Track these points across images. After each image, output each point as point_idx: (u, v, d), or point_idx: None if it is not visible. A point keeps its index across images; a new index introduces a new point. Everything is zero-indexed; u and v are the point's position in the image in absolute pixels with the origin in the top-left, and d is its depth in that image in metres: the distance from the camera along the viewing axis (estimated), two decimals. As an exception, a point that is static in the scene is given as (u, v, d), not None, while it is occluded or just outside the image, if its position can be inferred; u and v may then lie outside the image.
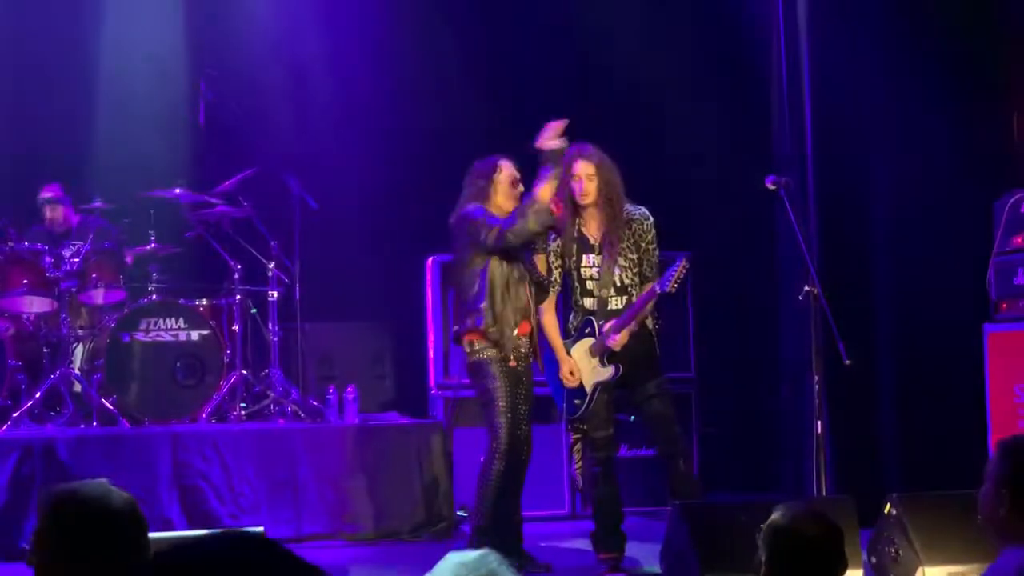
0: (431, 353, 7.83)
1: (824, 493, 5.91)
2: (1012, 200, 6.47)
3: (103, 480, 2.66)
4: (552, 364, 6.13)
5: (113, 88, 8.65)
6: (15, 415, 7.16)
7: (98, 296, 7.60)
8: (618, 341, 5.96)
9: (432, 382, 7.82)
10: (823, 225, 7.43)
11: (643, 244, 6.08)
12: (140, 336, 7.46)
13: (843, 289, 6.81)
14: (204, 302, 7.78)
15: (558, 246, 6.11)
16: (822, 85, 7.53)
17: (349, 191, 8.65)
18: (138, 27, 8.64)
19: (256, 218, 7.90)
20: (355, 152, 8.76)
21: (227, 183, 7.79)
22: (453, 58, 8.74)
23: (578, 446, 6.32)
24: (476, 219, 5.91)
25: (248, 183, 7.83)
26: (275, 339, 7.74)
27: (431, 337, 7.82)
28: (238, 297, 7.77)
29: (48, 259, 7.43)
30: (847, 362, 5.84)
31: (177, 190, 7.76)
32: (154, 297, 7.65)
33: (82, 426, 7.19)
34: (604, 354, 6.01)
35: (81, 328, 7.68)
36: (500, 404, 5.91)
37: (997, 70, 7.24)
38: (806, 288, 5.97)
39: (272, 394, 7.65)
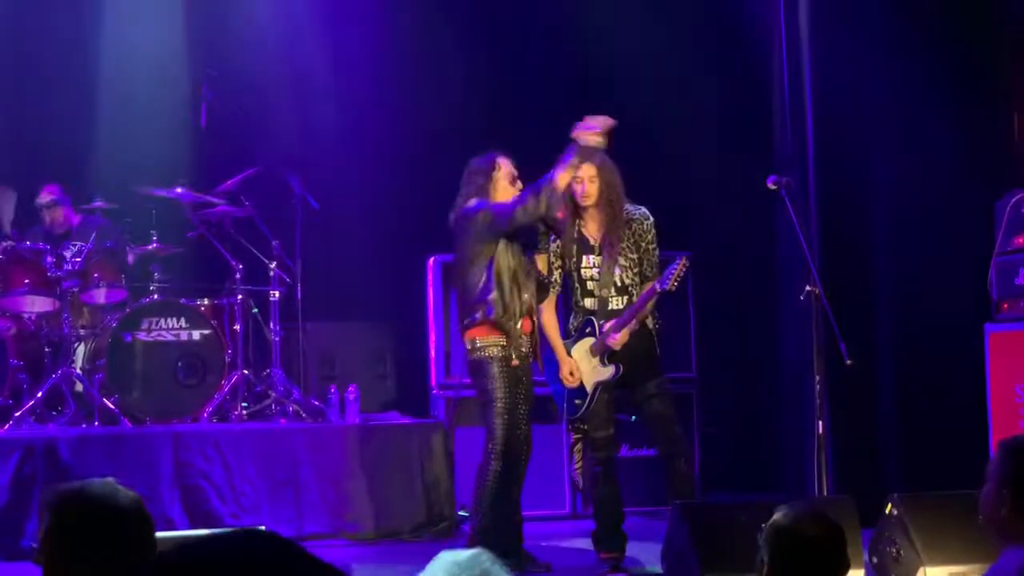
0: (432, 353, 7.83)
1: (825, 493, 5.91)
2: (1013, 200, 6.48)
3: (110, 479, 2.67)
4: (552, 364, 6.13)
5: (114, 88, 8.65)
6: (17, 414, 7.16)
7: (100, 296, 7.60)
8: (618, 340, 5.97)
9: (433, 382, 7.83)
10: (824, 225, 7.43)
11: (643, 244, 6.09)
12: (142, 336, 7.46)
13: (844, 289, 6.81)
14: (206, 302, 7.79)
15: (558, 247, 6.12)
16: (823, 85, 7.53)
17: (350, 191, 8.65)
18: (139, 27, 8.64)
19: (258, 218, 7.91)
20: (356, 152, 8.76)
21: (229, 183, 7.80)
22: (453, 58, 8.74)
23: (578, 446, 6.32)
24: (481, 208, 5.92)
25: (250, 183, 7.84)
26: (276, 339, 7.74)
27: (432, 337, 7.82)
28: (240, 297, 7.77)
29: (50, 259, 7.43)
30: (848, 362, 5.85)
31: (179, 190, 7.76)
32: (156, 297, 7.65)
33: (84, 426, 7.20)
34: (604, 354, 6.02)
35: (83, 328, 7.69)
36: (498, 405, 5.91)
37: (997, 70, 7.24)
38: (807, 288, 5.98)
39: (273, 394, 7.65)
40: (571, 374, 6.05)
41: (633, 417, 6.29)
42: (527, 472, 6.11)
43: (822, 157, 7.50)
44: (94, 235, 7.64)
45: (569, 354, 6.09)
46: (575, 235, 6.09)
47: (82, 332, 7.66)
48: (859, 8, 7.51)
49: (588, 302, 6.09)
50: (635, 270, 6.08)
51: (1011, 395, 6.33)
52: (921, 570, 5.10)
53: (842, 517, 4.47)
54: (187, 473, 6.81)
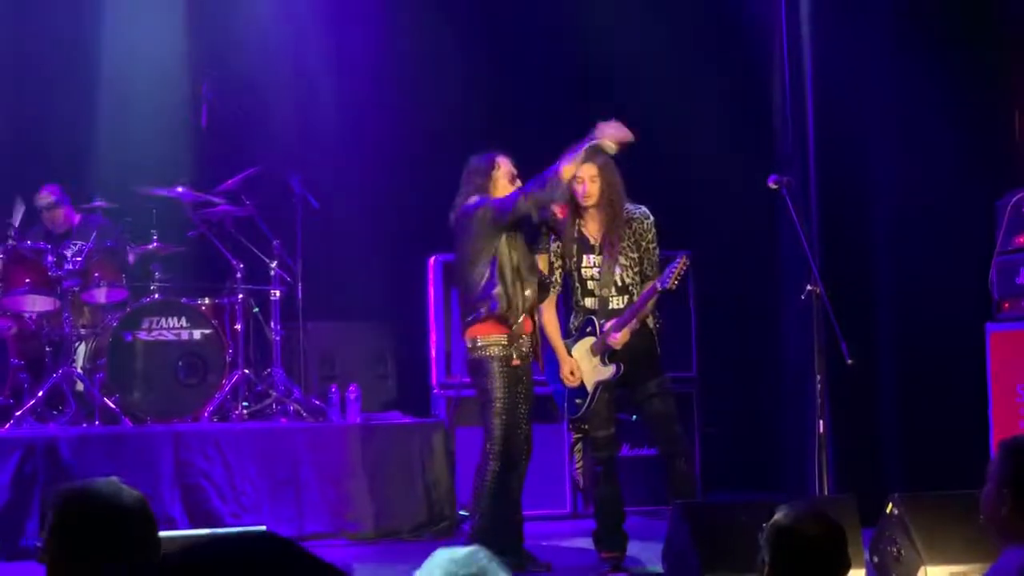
0: (433, 352, 7.83)
1: (826, 492, 5.91)
2: (1014, 199, 6.47)
3: (114, 478, 2.67)
4: (553, 364, 6.13)
5: (115, 87, 8.65)
6: (17, 414, 7.16)
7: (100, 295, 7.60)
8: (619, 339, 5.97)
9: (434, 381, 7.83)
10: (825, 224, 7.43)
11: (643, 243, 6.09)
12: (142, 335, 7.46)
13: (845, 288, 6.80)
14: (206, 301, 7.79)
15: (558, 246, 6.12)
16: (824, 84, 7.53)
17: (351, 190, 8.66)
18: (140, 27, 8.63)
19: (258, 217, 7.91)
20: (357, 152, 8.77)
21: (229, 182, 7.80)
22: (453, 58, 8.74)
23: (579, 445, 6.33)
24: (482, 204, 5.93)
25: (250, 182, 7.84)
26: (277, 338, 7.74)
27: (433, 336, 7.83)
28: (240, 296, 7.77)
29: (50, 258, 7.43)
30: (849, 361, 5.85)
31: (179, 189, 7.76)
32: (156, 296, 7.65)
33: (84, 425, 7.20)
34: (605, 353, 6.02)
35: (83, 327, 7.69)
36: (496, 404, 5.92)
37: (998, 69, 7.24)
38: (808, 287, 5.98)
39: (274, 393, 7.65)
40: (572, 373, 6.05)
41: (634, 416, 6.29)
42: (528, 472, 6.12)
43: (823, 156, 7.50)
44: (95, 234, 7.64)
45: (570, 353, 6.09)
46: (575, 235, 6.10)
47: (83, 331, 7.66)
48: (860, 7, 7.50)
49: (589, 301, 6.09)
50: (635, 269, 6.08)
51: (1012, 394, 6.33)
52: (922, 569, 5.10)
53: (843, 517, 4.47)
54: (188, 472, 6.81)
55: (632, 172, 6.21)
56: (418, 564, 2.11)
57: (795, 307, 6.68)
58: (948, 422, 6.93)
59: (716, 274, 8.15)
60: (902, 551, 5.18)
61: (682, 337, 7.86)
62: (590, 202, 6.03)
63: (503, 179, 6.07)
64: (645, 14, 8.66)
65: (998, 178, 6.87)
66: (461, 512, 7.07)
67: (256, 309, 7.89)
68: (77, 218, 8.04)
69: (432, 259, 7.80)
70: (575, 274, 6.11)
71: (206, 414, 7.43)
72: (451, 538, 6.87)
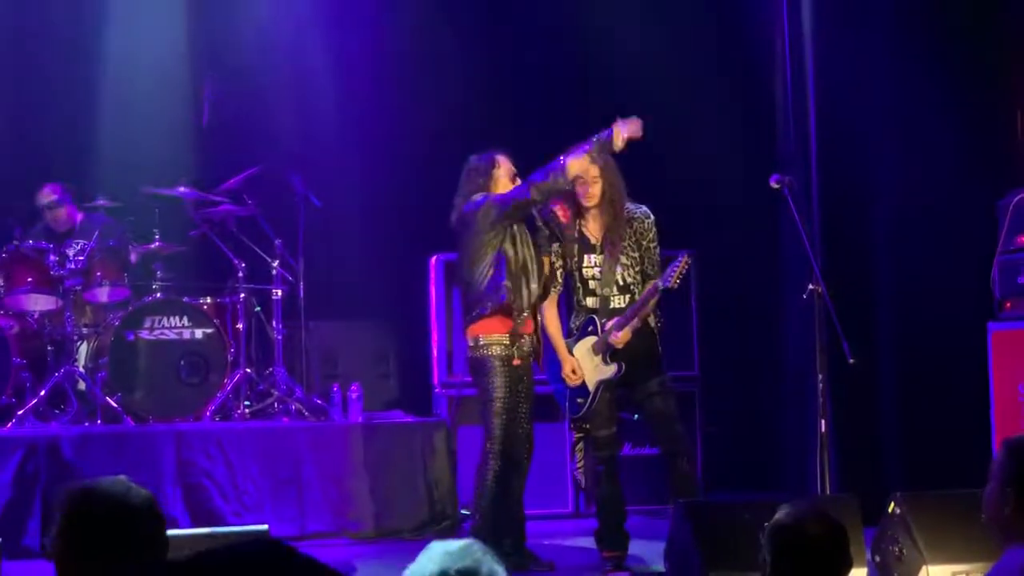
0: (435, 351, 7.83)
1: (828, 492, 5.91)
2: (1016, 199, 6.48)
3: (122, 477, 2.68)
4: (554, 363, 6.13)
5: (117, 87, 8.64)
6: (19, 413, 7.17)
7: (102, 294, 7.61)
8: (621, 338, 5.97)
9: (436, 380, 7.83)
10: (826, 224, 7.43)
11: (644, 242, 6.09)
12: (144, 334, 7.47)
13: (847, 288, 6.80)
14: (208, 300, 7.79)
15: (559, 247, 6.12)
16: (826, 84, 7.52)
17: (353, 190, 8.66)
18: (142, 26, 8.63)
19: (260, 216, 7.91)
20: (358, 151, 8.76)
21: (231, 181, 7.80)
22: (454, 58, 8.74)
23: (581, 445, 6.32)
24: (485, 201, 5.95)
25: (252, 182, 7.84)
26: (279, 337, 7.75)
27: (435, 336, 7.83)
28: (242, 295, 7.77)
29: (52, 257, 7.43)
30: (851, 361, 5.85)
31: (181, 188, 7.77)
32: (158, 295, 7.65)
33: (86, 424, 7.20)
34: (606, 352, 6.02)
35: (85, 326, 7.69)
36: (496, 404, 5.92)
37: (1000, 69, 7.23)
38: (810, 287, 5.98)
39: (276, 392, 7.65)
40: (573, 372, 6.05)
41: (635, 416, 6.29)
42: (529, 471, 6.12)
43: (824, 156, 7.50)
44: (97, 233, 7.64)
45: (571, 353, 6.09)
46: (576, 235, 6.10)
47: (85, 330, 7.67)
48: (862, 7, 7.50)
49: (590, 301, 6.09)
50: (636, 269, 6.08)
51: (1014, 394, 6.33)
52: (924, 569, 5.10)
53: (845, 516, 4.48)
54: (190, 472, 6.82)
55: (634, 172, 6.21)
56: (419, 563, 2.11)
57: (797, 306, 6.69)
58: (950, 421, 6.93)
59: (717, 273, 8.15)
60: (904, 550, 5.18)
61: (684, 336, 7.86)
62: (592, 202, 6.04)
63: (504, 177, 6.08)
64: (645, 14, 8.66)
65: (999, 178, 6.87)
66: (463, 511, 7.07)
67: (258, 308, 7.89)
68: (79, 217, 8.04)
69: (434, 258, 7.80)
70: (576, 274, 6.11)
71: (208, 413, 7.43)
72: (453, 537, 6.85)
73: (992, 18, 7.25)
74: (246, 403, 7.61)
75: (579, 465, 6.43)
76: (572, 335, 6.14)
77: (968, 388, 6.76)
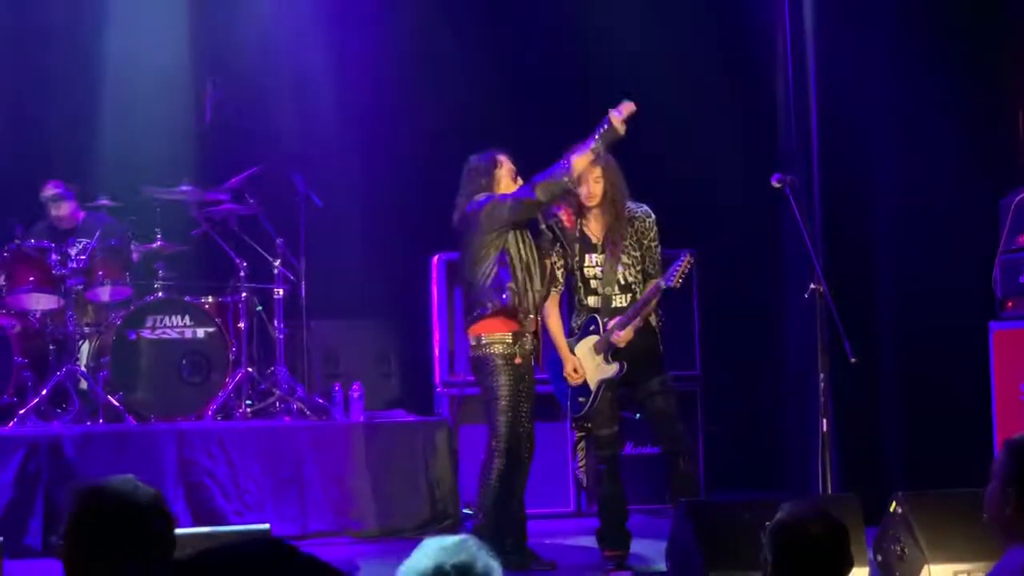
0: (436, 351, 7.83)
1: (829, 491, 5.91)
2: (1018, 198, 6.47)
3: (130, 476, 2.69)
4: (556, 362, 6.14)
5: (119, 87, 8.65)
6: (21, 412, 7.17)
7: (104, 293, 7.61)
8: (623, 337, 5.97)
9: (438, 380, 7.83)
10: (828, 223, 7.43)
11: (645, 241, 6.10)
12: (146, 333, 7.47)
13: (848, 287, 6.80)
14: (210, 299, 7.79)
15: (560, 247, 6.12)
16: (827, 83, 7.52)
17: (354, 189, 8.66)
18: (144, 26, 8.64)
19: (262, 216, 7.92)
20: (360, 151, 8.77)
21: (233, 181, 7.81)
22: (454, 58, 8.74)
23: (582, 444, 6.33)
24: (489, 200, 5.95)
25: (254, 181, 7.85)
26: (281, 337, 7.75)
27: (436, 335, 7.83)
28: (244, 295, 7.78)
29: (54, 256, 7.44)
30: (853, 360, 5.85)
31: (183, 187, 7.77)
32: (160, 294, 7.66)
33: (88, 423, 7.21)
34: (608, 351, 6.03)
35: (87, 325, 7.70)
36: (501, 402, 5.93)
37: (1002, 68, 7.23)
38: (811, 286, 5.98)
39: (278, 392, 7.66)
40: (575, 371, 6.05)
41: (636, 415, 6.30)
42: (531, 470, 6.12)
43: (826, 155, 7.50)
44: (98, 233, 7.64)
45: (573, 352, 6.09)
46: (577, 234, 6.10)
47: (87, 330, 7.67)
48: (863, 5, 7.50)
49: (592, 300, 6.10)
50: (638, 268, 6.09)
51: (1015, 393, 6.33)
52: (925, 568, 5.10)
53: (846, 515, 4.48)
54: (191, 471, 6.83)
55: (635, 171, 6.22)
56: (421, 562, 2.12)
57: (798, 305, 6.68)
58: (951, 421, 6.93)
59: (719, 273, 8.15)
60: (905, 550, 5.18)
61: (685, 335, 7.86)
62: (594, 202, 6.04)
63: (506, 177, 6.09)
64: (645, 14, 8.66)
65: (1001, 177, 6.87)
66: (464, 510, 7.08)
67: (260, 307, 7.90)
68: (82, 216, 8.05)
69: (435, 258, 7.81)
70: (577, 273, 6.12)
71: (210, 412, 7.43)
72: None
73: (994, 16, 7.24)
74: (248, 402, 7.62)
75: (581, 464, 6.44)
76: (574, 334, 6.14)
77: (969, 387, 6.76)
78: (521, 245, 5.98)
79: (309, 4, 8.92)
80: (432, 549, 2.10)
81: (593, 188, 6.01)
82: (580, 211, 6.09)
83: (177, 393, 7.49)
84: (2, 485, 6.56)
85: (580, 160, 5.85)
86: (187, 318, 7.53)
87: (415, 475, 7.11)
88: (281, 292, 7.81)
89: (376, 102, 8.81)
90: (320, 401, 7.63)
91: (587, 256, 6.09)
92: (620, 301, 6.06)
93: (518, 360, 5.97)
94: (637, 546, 6.16)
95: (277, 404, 7.65)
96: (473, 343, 6.05)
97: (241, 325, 7.71)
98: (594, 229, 6.11)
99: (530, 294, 5.96)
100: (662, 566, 5.63)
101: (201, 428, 7.13)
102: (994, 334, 6.46)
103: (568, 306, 6.32)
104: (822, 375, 5.99)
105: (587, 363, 6.07)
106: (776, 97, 7.99)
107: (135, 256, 7.81)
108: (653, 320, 6.13)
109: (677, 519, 5.35)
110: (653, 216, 6.16)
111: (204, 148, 8.47)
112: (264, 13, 8.81)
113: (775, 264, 8.10)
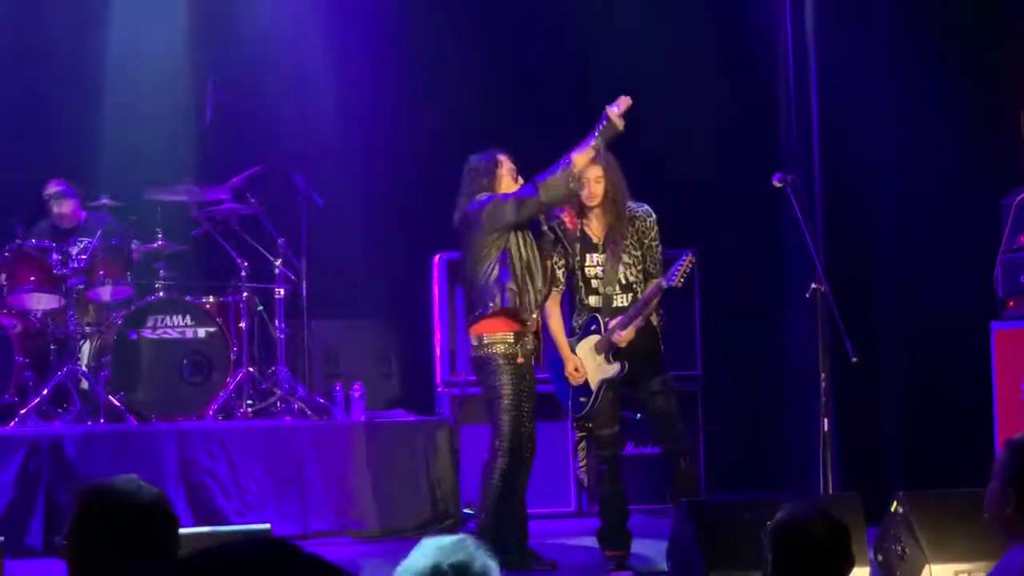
0: (438, 350, 7.83)
1: (830, 491, 5.91)
2: (1019, 198, 6.47)
3: (133, 476, 2.69)
4: (557, 362, 6.14)
5: (120, 87, 8.65)
6: (22, 412, 7.17)
7: (105, 293, 7.61)
8: (624, 337, 5.97)
9: (439, 379, 7.83)
10: (829, 223, 7.42)
11: (646, 241, 6.10)
12: (147, 333, 7.47)
13: (849, 286, 6.80)
14: (211, 299, 7.79)
15: (561, 248, 6.13)
16: (829, 82, 7.52)
17: (355, 189, 8.66)
18: (144, 25, 8.64)
19: (263, 215, 7.92)
20: (361, 150, 8.77)
21: (234, 180, 7.81)
22: (454, 58, 8.74)
23: (583, 444, 6.33)
24: (491, 200, 5.95)
25: (255, 180, 7.85)
26: (282, 336, 7.75)
27: (437, 335, 7.83)
28: (245, 294, 7.78)
29: (55, 256, 7.44)
30: (854, 360, 5.85)
31: (184, 187, 7.77)
32: (161, 294, 7.66)
33: (89, 423, 7.21)
34: (609, 351, 6.03)
35: (88, 325, 7.70)
36: (504, 401, 5.93)
37: (1003, 67, 7.23)
38: (813, 286, 5.97)
39: (279, 391, 7.66)
40: (576, 371, 6.05)
41: (637, 415, 6.30)
42: (532, 470, 6.12)
43: (827, 154, 7.50)
44: (99, 232, 7.65)
45: (574, 352, 6.09)
46: (578, 234, 6.10)
47: (88, 329, 7.67)
48: (864, 5, 7.50)
49: (593, 300, 6.10)
50: (639, 267, 6.09)
51: (1016, 393, 6.33)
52: (926, 568, 5.10)
53: (847, 515, 4.49)
54: (192, 471, 6.83)
55: (636, 171, 6.22)
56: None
57: (799, 305, 6.68)
58: (952, 420, 6.93)
59: (720, 272, 8.15)
60: (906, 549, 5.18)
61: (686, 335, 7.85)
62: (595, 202, 6.05)
63: (507, 176, 6.10)
64: (646, 14, 8.66)
65: (1002, 176, 6.87)
66: (465, 510, 7.08)
67: (260, 307, 7.90)
68: (83, 215, 8.05)
69: (437, 257, 7.81)
70: (578, 273, 6.12)
71: (210, 412, 7.43)
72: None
73: (994, 16, 7.24)
74: (248, 402, 7.62)
75: (582, 464, 6.44)
76: (575, 334, 6.14)
77: (971, 387, 6.76)
78: (522, 245, 5.99)
79: (309, 4, 8.92)
80: (430, 548, 2.10)
81: (594, 188, 6.01)
82: (581, 211, 6.09)
83: (178, 393, 7.49)
84: (3, 485, 6.56)
85: (581, 157, 5.84)
86: (188, 318, 7.53)
87: (416, 475, 7.11)
88: (282, 292, 7.81)
89: (376, 102, 8.81)
90: (321, 401, 7.63)
91: (588, 256, 6.09)
92: (621, 301, 6.06)
93: (520, 360, 5.97)
94: (638, 546, 6.16)
95: (278, 404, 7.65)
96: (475, 343, 6.05)
97: (242, 325, 7.71)
98: (595, 229, 6.11)
99: (531, 294, 5.96)
100: (663, 566, 5.64)
101: (202, 428, 7.13)
102: (995, 334, 6.46)
103: (569, 306, 6.32)
104: (823, 375, 5.98)
105: (588, 363, 6.07)
106: (777, 97, 7.99)
107: (136, 256, 7.80)
108: (654, 320, 6.13)
109: (678, 519, 5.35)
110: (654, 215, 6.16)
111: (205, 148, 8.46)
112: (264, 13, 8.81)
113: (776, 264, 8.10)
